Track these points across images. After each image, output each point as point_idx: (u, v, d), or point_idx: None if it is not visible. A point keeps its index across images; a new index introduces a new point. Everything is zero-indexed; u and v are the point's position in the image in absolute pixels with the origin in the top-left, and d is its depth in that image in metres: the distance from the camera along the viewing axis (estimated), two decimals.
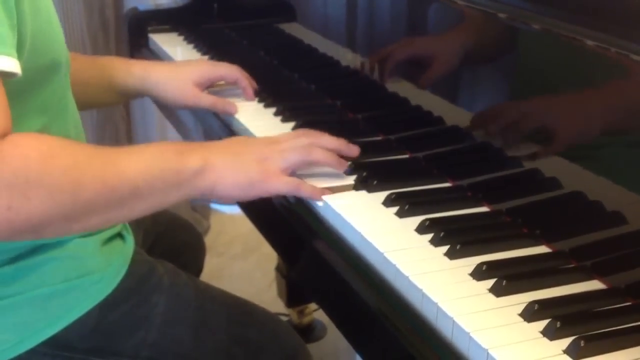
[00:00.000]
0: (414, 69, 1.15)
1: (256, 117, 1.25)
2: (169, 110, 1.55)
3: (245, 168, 0.94)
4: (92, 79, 1.21)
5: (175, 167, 0.90)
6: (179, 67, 1.31)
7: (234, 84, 1.34)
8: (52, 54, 0.94)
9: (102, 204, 0.84)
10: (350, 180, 1.02)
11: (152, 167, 0.88)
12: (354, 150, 1.04)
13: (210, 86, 1.33)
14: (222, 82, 1.35)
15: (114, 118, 2.25)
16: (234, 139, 1.05)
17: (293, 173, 0.99)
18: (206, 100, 1.27)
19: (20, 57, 0.83)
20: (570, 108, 0.89)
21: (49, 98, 0.96)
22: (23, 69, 0.82)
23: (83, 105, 1.08)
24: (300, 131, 1.06)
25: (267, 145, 0.98)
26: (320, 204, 0.96)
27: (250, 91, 1.32)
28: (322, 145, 1.00)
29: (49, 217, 0.80)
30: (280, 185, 0.95)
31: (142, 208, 0.90)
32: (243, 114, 1.26)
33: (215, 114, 1.31)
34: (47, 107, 0.96)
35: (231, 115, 1.26)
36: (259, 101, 1.32)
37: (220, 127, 1.28)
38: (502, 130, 0.98)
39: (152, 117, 2.34)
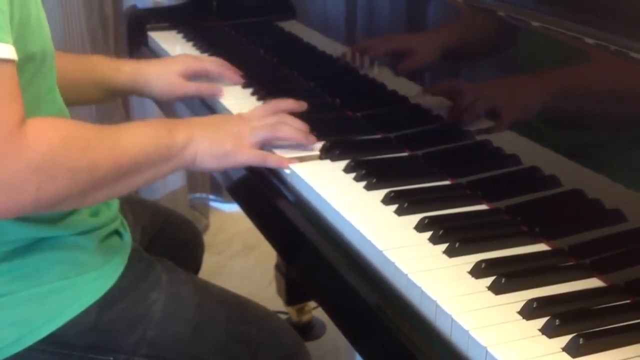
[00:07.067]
0: (413, 67, 1.15)
1: None
2: (168, 108, 1.55)
3: (221, 141, 1.04)
4: (80, 77, 1.23)
5: (167, 143, 1.00)
6: (165, 63, 1.36)
7: (217, 77, 1.38)
8: (40, 44, 0.95)
9: (112, 179, 0.93)
10: (316, 150, 1.10)
11: (149, 144, 0.98)
12: (310, 140, 1.12)
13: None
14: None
15: (113, 119, 2.24)
16: (213, 116, 1.20)
17: (264, 148, 1.09)
18: (192, 87, 1.33)
19: None
20: (567, 106, 0.89)
21: (40, 90, 0.97)
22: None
23: (68, 102, 1.08)
24: (269, 107, 1.15)
25: (240, 122, 1.10)
26: (287, 171, 1.05)
27: (236, 77, 1.38)
28: (288, 124, 1.11)
29: (69, 195, 0.89)
30: (249, 156, 1.06)
31: (141, 181, 0.98)
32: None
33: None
34: (39, 98, 0.97)
35: (217, 97, 1.32)
36: (258, 99, 1.32)
37: None
38: (502, 128, 0.98)
39: (152, 117, 2.34)
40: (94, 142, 0.91)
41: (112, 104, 2.21)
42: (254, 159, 1.07)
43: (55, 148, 0.85)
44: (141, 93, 1.33)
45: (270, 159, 1.07)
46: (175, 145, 1.00)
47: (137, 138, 0.97)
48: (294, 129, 1.10)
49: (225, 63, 1.39)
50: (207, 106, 1.35)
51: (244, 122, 1.10)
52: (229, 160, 1.05)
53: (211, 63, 1.38)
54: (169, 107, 1.53)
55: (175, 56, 1.46)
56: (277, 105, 1.16)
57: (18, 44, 0.86)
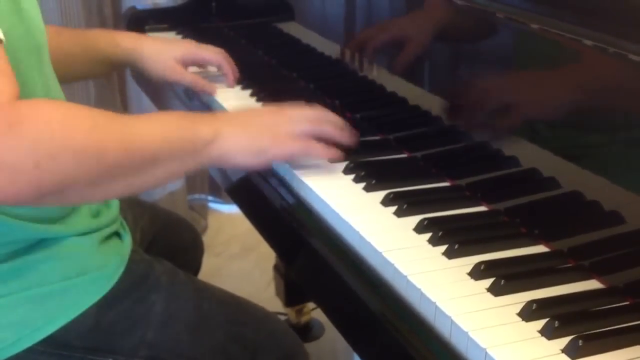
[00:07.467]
0: (412, 69, 1.15)
1: None
2: (160, 100, 1.55)
3: (255, 135, 0.95)
4: (78, 51, 1.23)
5: (190, 136, 0.91)
6: (166, 43, 1.34)
7: (217, 68, 1.36)
8: (30, 36, 0.94)
9: (125, 168, 0.85)
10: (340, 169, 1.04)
11: (170, 135, 0.90)
12: (353, 137, 1.03)
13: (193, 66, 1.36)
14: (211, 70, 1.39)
15: (110, 109, 2.24)
16: (243, 111, 1.06)
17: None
18: (188, 77, 1.31)
19: None
20: (567, 108, 0.89)
21: (39, 80, 0.96)
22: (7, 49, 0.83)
23: (67, 78, 1.07)
24: (312, 112, 1.04)
25: (273, 113, 1.01)
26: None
27: (231, 77, 1.34)
28: (329, 120, 1.02)
29: (74, 179, 0.81)
30: (293, 148, 0.97)
31: (161, 175, 0.90)
32: None
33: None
34: (49, 89, 0.97)
35: (209, 95, 1.30)
36: (257, 100, 1.31)
37: None
38: (500, 128, 0.98)
39: (148, 109, 2.34)
40: (100, 124, 0.84)
41: (109, 96, 2.20)
42: (299, 151, 0.98)
43: (54, 124, 0.79)
44: (135, 67, 1.32)
45: (315, 149, 0.99)
46: (199, 140, 0.92)
47: (155, 128, 0.90)
48: (339, 128, 1.02)
49: (227, 57, 1.35)
50: (206, 107, 1.34)
51: (278, 112, 1.01)
52: (269, 154, 0.96)
53: (212, 53, 1.35)
54: (161, 99, 1.53)
55: (178, 40, 1.46)
56: (320, 114, 1.03)
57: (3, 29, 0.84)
